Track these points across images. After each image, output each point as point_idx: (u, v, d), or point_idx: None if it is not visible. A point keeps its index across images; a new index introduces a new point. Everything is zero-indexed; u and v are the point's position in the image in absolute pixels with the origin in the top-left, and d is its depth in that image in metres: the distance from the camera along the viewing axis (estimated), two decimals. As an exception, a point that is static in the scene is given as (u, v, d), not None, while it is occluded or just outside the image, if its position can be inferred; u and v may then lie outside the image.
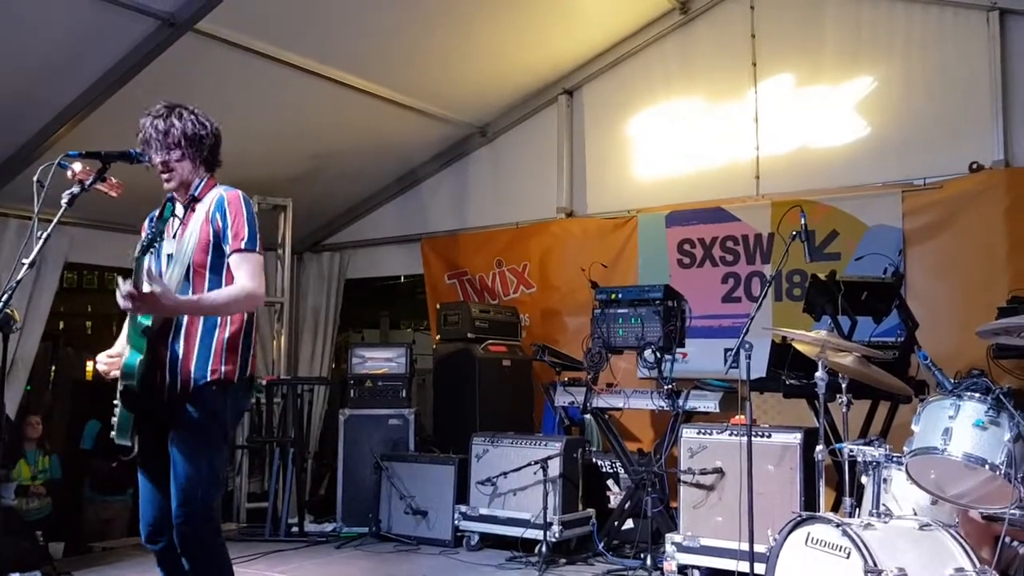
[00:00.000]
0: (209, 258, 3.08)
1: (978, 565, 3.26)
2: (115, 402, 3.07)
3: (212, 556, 3.09)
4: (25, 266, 2.78)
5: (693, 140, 6.93)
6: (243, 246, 3.05)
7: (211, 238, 3.07)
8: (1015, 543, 3.46)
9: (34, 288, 6.35)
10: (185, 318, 3.05)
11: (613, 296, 5.70)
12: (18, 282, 2.75)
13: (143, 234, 3.24)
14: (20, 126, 5.69)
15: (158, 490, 3.10)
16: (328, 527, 6.78)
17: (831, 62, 6.40)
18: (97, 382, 3.20)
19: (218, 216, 3.08)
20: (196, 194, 3.17)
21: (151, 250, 2.90)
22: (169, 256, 3.12)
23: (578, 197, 7.52)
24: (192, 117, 3.17)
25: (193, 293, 3.00)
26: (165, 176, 3.15)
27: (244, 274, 3.04)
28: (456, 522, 6.02)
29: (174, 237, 3.14)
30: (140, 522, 3.17)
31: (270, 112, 6.51)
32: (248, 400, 3.31)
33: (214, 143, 3.22)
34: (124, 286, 2.76)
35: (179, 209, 3.19)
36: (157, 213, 3.11)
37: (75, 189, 2.97)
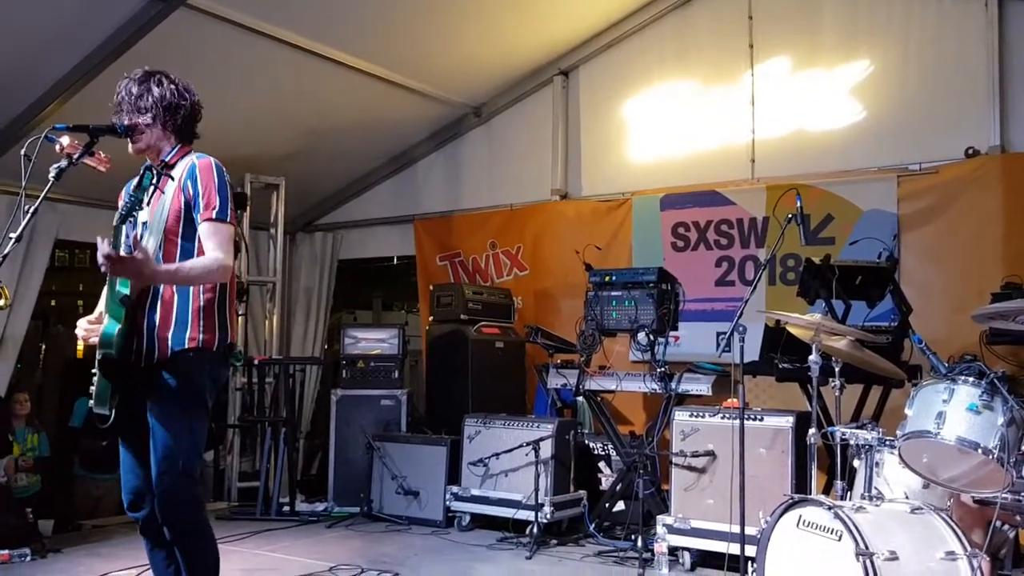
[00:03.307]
0: (181, 226, 3.05)
1: (969, 549, 3.27)
2: (93, 371, 3.05)
3: (194, 525, 3.08)
4: (12, 240, 2.74)
5: (689, 123, 6.90)
6: (214, 215, 3.03)
7: (183, 207, 3.05)
8: (1006, 527, 3.47)
9: (24, 266, 6.31)
10: (162, 287, 3.03)
11: (607, 278, 5.69)
12: (4, 256, 2.72)
13: (120, 203, 3.22)
14: (10, 101, 5.63)
15: (138, 459, 3.10)
16: (319, 507, 6.78)
17: (829, 45, 6.37)
18: (88, 361, 3.16)
19: (189, 184, 3.05)
20: (168, 160, 3.13)
21: (130, 219, 2.88)
22: (144, 224, 3.09)
23: (573, 179, 7.49)
24: (171, 86, 3.14)
25: (165, 261, 2.97)
26: (132, 139, 3.10)
27: (214, 244, 3.01)
28: (448, 503, 6.04)
29: (147, 204, 3.10)
30: (122, 490, 3.17)
31: (263, 89, 6.45)
32: (226, 369, 3.29)
33: (189, 114, 3.17)
34: (103, 247, 2.71)
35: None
36: (135, 182, 3.06)
37: (63, 163, 2.93)
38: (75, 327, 3.20)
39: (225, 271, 3.05)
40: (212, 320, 3.10)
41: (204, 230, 3.02)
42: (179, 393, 3.03)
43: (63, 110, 5.56)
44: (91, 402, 3.07)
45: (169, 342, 3.03)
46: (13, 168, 2.94)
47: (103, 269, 2.77)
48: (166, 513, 3.00)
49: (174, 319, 3.04)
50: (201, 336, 3.06)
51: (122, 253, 2.77)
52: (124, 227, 2.85)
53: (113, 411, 3.04)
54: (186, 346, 3.04)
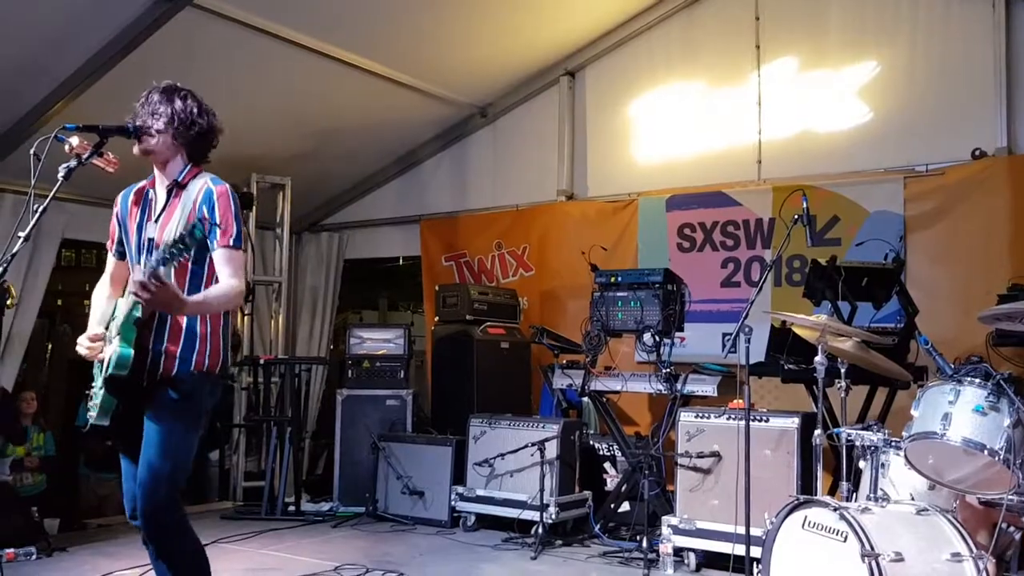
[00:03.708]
0: (194, 250, 3.02)
1: (974, 550, 3.26)
2: (95, 385, 3.07)
3: (177, 534, 3.07)
4: (20, 239, 2.74)
5: (695, 123, 6.90)
6: (231, 243, 3.05)
7: None
8: (1012, 529, 3.46)
9: (31, 264, 6.33)
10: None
11: (613, 279, 5.68)
12: (13, 255, 2.73)
13: (116, 208, 3.21)
14: (17, 99, 5.64)
15: (137, 468, 3.10)
16: (325, 506, 6.79)
17: (835, 46, 6.36)
18: (93, 361, 3.17)
19: (205, 210, 3.05)
20: (180, 179, 3.13)
21: (173, 263, 2.78)
22: (150, 240, 3.09)
23: (579, 180, 7.49)
24: (192, 103, 3.13)
25: (175, 283, 2.96)
26: (139, 140, 3.09)
27: (230, 271, 3.03)
28: (453, 503, 6.04)
29: (156, 221, 3.10)
30: (124, 499, 3.18)
31: (269, 89, 6.46)
32: (221, 389, 3.32)
33: (204, 134, 3.16)
34: (138, 273, 2.68)
35: (161, 193, 3.16)
36: (143, 193, 3.06)
37: (72, 163, 2.94)
38: (81, 327, 3.20)
39: (240, 297, 3.11)
40: (218, 344, 3.14)
41: (220, 257, 3.03)
42: (180, 411, 3.05)
43: (69, 109, 5.56)
44: (90, 414, 3.08)
45: (177, 362, 3.05)
46: (18, 167, 2.95)
47: (135, 297, 2.76)
48: (151, 530, 3.01)
49: (183, 340, 3.06)
50: (207, 360, 3.10)
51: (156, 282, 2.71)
52: (162, 270, 2.71)
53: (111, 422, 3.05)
54: (192, 369, 3.06)
